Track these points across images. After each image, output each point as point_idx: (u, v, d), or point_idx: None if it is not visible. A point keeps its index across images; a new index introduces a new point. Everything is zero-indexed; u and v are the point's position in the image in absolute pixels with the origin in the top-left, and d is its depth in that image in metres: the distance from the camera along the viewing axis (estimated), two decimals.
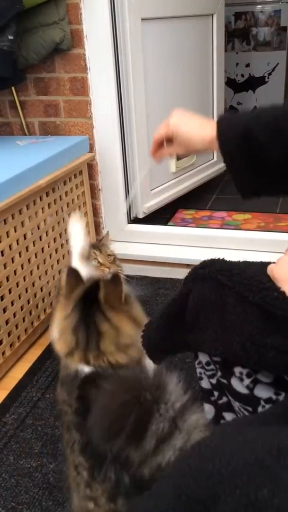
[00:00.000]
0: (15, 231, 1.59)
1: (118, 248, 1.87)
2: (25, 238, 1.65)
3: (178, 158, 2.43)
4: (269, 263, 0.76)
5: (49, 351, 1.67)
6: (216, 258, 0.81)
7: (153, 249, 2.16)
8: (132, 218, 2.27)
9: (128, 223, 2.25)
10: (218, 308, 0.74)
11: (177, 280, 2.05)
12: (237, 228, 2.34)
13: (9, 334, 1.60)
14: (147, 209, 2.27)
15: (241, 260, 0.82)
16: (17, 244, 1.61)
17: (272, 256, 2.13)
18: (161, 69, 2.21)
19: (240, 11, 3.71)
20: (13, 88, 2.03)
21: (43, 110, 2.07)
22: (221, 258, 0.81)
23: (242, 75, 3.83)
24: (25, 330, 1.69)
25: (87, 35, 1.92)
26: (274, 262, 0.75)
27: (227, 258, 0.81)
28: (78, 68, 1.96)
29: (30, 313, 1.71)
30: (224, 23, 2.58)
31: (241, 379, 0.78)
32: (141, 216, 2.27)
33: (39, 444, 1.31)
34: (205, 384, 0.89)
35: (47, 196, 1.76)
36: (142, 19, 2.01)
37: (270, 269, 0.74)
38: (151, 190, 2.31)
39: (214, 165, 2.76)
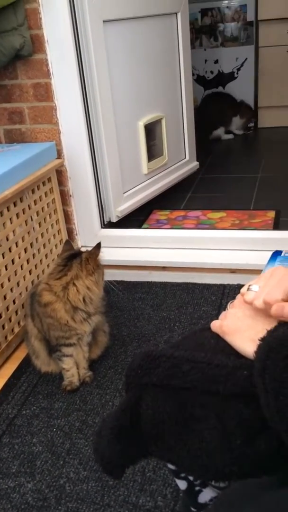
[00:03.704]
0: None
1: None
2: None
3: (150, 159, 2.41)
4: (201, 330, 0.68)
5: (25, 364, 1.63)
6: (152, 353, 0.65)
7: (128, 253, 2.13)
8: (105, 223, 2.24)
9: (102, 227, 2.22)
10: (183, 425, 0.61)
11: (154, 284, 2.03)
12: (212, 227, 2.33)
13: None
14: (120, 213, 2.24)
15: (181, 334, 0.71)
16: None
17: (246, 255, 2.11)
18: (126, 70, 2.18)
19: (206, 7, 3.70)
20: None
21: (8, 118, 2.02)
22: (156, 350, 0.65)
23: (212, 72, 3.82)
24: None
25: (48, 40, 1.88)
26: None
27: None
28: (41, 73, 1.92)
29: (3, 327, 1.67)
30: (188, 21, 2.56)
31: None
32: (114, 220, 2.24)
33: (16, 463, 1.28)
34: (171, 466, 0.78)
35: (15, 206, 1.72)
36: (104, 21, 1.98)
37: (217, 326, 0.67)
38: (124, 193, 2.28)
39: (186, 165, 2.74)
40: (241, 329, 0.65)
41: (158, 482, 1.18)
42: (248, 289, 0.68)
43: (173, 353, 0.63)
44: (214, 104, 3.61)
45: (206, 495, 0.82)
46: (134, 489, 1.18)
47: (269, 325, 0.62)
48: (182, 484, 0.82)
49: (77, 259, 1.42)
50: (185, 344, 0.66)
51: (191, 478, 0.81)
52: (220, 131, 3.65)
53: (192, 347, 0.65)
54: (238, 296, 0.70)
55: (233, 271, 1.97)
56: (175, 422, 0.61)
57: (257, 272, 0.78)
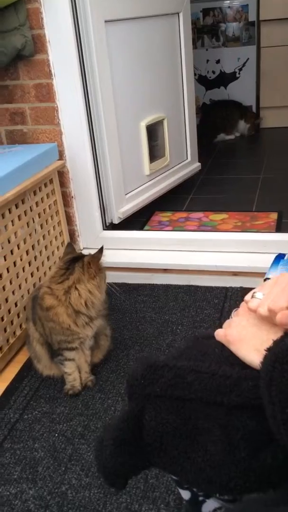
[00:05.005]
0: None
1: None
2: None
3: (152, 160, 2.39)
4: (204, 337, 0.67)
5: (27, 368, 1.62)
6: (155, 363, 0.64)
7: (130, 255, 2.12)
8: (107, 224, 2.23)
9: (104, 229, 2.20)
10: (186, 437, 0.59)
11: (156, 286, 2.02)
12: (214, 228, 2.31)
13: None
14: (122, 214, 2.23)
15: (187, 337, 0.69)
16: None
17: (248, 257, 2.09)
18: (128, 70, 2.17)
19: (208, 7, 3.68)
20: None
21: (9, 118, 2.01)
22: (159, 360, 0.64)
23: (213, 72, 3.81)
24: (0, 348, 1.64)
25: (50, 40, 1.86)
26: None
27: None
28: (42, 74, 1.91)
29: (5, 330, 1.65)
30: (190, 21, 2.55)
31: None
32: (116, 221, 2.23)
33: (18, 469, 1.27)
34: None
35: (16, 208, 1.70)
36: (106, 21, 1.96)
37: (222, 335, 0.66)
38: (126, 194, 2.27)
39: (188, 166, 2.73)
40: (245, 338, 0.64)
41: (161, 489, 1.17)
42: (252, 297, 0.67)
43: (177, 363, 0.62)
44: (220, 113, 3.61)
45: (209, 506, 0.81)
46: (136, 496, 1.16)
47: (274, 333, 0.61)
48: (185, 494, 0.81)
49: (79, 263, 1.41)
50: (189, 354, 0.65)
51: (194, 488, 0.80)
52: (223, 135, 3.65)
53: (196, 357, 0.63)
54: (242, 304, 0.68)
55: (235, 273, 1.95)
56: (178, 433, 0.59)
57: (260, 274, 0.75)
